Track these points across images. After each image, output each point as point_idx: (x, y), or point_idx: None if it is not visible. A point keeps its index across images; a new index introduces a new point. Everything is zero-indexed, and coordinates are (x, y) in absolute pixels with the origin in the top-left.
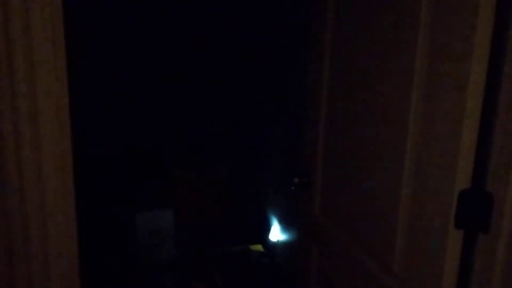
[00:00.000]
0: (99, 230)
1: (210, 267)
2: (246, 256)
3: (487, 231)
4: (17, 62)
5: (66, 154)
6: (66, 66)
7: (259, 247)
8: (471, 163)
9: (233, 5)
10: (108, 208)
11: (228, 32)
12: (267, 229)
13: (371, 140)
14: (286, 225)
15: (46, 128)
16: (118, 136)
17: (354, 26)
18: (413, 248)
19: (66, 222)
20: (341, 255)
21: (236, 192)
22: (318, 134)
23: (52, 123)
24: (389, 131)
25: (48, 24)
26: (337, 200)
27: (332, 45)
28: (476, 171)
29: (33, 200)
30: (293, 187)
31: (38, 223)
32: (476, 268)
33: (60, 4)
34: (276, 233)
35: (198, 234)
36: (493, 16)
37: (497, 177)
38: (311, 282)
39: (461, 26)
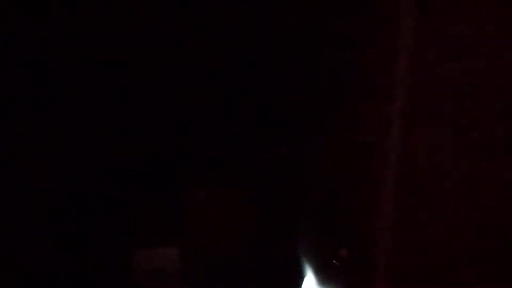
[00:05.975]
0: (90, 268)
1: None
2: None
3: None
4: None
5: None
6: None
7: None
8: None
9: None
10: (101, 243)
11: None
12: (299, 277)
13: None
14: (325, 278)
15: None
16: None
17: None
18: None
19: None
20: None
21: (262, 223)
22: (384, 181)
23: None
24: None
25: None
26: None
27: None
28: None
29: None
30: (336, 262)
31: None
32: None
33: None
34: (311, 286)
35: (211, 276)
36: None
37: None
38: None
39: None
